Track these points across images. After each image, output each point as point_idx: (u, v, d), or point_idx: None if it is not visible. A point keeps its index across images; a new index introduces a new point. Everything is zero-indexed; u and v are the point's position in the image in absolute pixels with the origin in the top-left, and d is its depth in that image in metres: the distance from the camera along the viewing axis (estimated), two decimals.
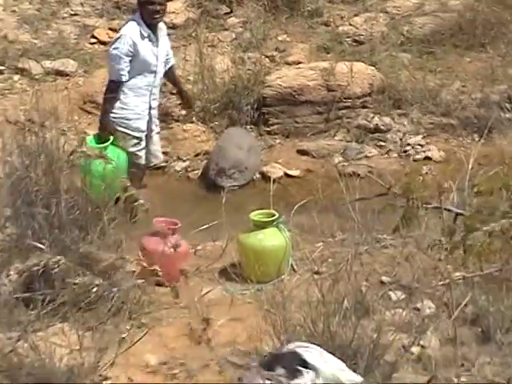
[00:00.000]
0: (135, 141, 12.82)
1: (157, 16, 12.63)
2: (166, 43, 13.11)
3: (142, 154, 12.95)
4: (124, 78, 12.50)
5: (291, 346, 8.20)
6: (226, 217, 10.90)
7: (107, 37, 16.43)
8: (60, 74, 15.34)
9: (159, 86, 13.12)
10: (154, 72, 12.82)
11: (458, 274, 9.83)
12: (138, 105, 12.77)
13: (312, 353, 8.00)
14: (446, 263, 10.68)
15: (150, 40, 12.70)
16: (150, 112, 12.95)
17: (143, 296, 9.94)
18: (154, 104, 12.96)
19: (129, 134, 12.74)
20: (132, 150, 12.81)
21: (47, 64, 15.42)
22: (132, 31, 12.58)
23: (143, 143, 12.99)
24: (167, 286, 10.93)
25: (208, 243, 11.73)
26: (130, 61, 12.61)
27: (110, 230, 10.80)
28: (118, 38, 12.89)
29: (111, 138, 12.52)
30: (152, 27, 12.72)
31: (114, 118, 12.80)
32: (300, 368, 8.13)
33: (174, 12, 16.52)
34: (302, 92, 14.68)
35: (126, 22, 13.07)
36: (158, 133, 13.30)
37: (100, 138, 12.59)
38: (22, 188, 11.12)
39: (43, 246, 10.66)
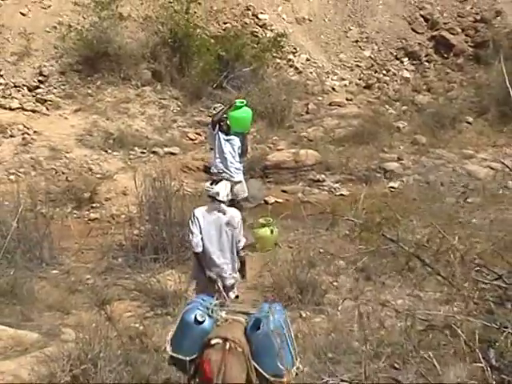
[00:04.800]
0: None
1: None
2: None
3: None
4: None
5: None
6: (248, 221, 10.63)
7: (194, 137, 15.54)
8: (171, 153, 14.99)
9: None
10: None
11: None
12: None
13: None
14: (349, 244, 10.74)
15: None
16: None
17: None
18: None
19: None
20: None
21: (165, 149, 15.16)
22: None
23: None
24: None
25: None
26: None
27: None
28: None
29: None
30: None
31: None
32: None
33: None
34: (284, 163, 14.44)
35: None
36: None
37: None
38: (153, 206, 11.12)
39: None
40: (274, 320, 6.32)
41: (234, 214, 7.99)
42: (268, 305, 6.58)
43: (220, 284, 7.67)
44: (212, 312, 6.46)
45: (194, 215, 7.88)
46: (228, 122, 10.97)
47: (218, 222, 7.83)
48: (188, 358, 6.34)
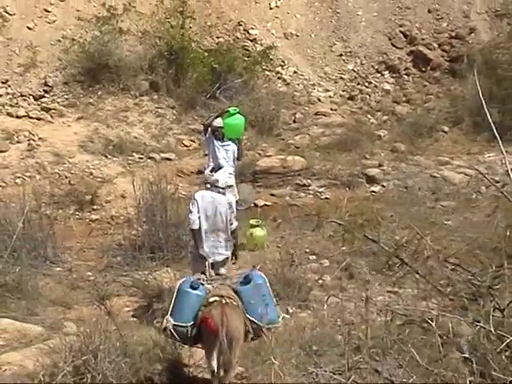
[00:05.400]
0: None
1: None
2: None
3: None
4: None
5: None
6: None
7: (188, 143, 15.59)
8: (167, 159, 15.03)
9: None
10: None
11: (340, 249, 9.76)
12: None
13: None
14: (333, 244, 10.75)
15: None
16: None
17: None
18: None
19: None
20: None
21: (162, 155, 15.17)
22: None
23: None
24: None
25: None
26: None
27: None
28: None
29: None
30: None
31: None
32: None
33: None
34: (272, 168, 14.44)
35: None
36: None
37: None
38: (150, 208, 11.10)
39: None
40: (261, 275, 7.06)
41: (229, 197, 8.37)
42: (249, 271, 7.23)
43: (208, 262, 7.88)
44: (203, 281, 7.12)
45: (193, 197, 8.28)
46: (222, 129, 10.85)
47: (214, 204, 8.15)
48: (189, 325, 6.82)
